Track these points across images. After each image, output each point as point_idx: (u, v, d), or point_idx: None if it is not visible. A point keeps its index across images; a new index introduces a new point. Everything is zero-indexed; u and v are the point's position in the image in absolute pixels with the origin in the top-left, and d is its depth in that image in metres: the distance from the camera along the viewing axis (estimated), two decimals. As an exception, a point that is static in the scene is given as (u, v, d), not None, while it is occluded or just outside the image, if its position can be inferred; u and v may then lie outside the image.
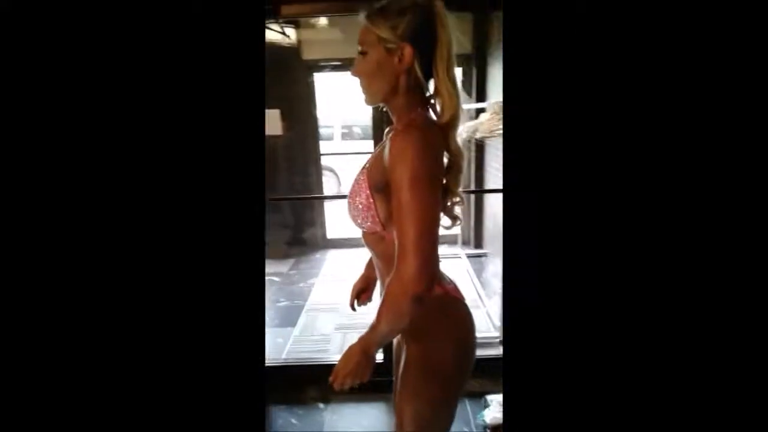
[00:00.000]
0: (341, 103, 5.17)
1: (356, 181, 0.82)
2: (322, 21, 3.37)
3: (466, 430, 1.67)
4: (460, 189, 0.86)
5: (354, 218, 0.84)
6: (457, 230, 3.82)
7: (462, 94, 0.79)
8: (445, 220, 0.89)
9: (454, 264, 3.40)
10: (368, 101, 0.81)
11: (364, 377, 0.77)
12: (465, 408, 1.78)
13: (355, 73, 0.79)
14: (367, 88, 0.79)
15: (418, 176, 0.69)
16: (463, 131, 0.83)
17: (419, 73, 0.75)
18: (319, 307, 2.82)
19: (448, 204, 0.88)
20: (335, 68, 3.74)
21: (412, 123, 0.76)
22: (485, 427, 1.62)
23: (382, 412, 1.79)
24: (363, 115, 4.66)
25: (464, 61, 3.40)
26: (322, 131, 4.58)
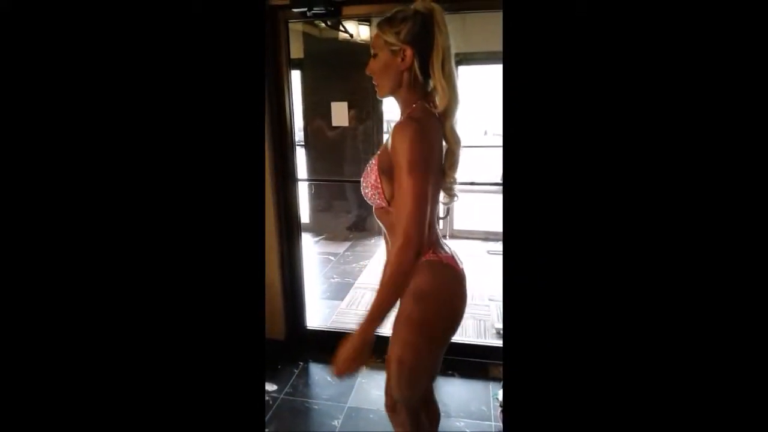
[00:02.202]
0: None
1: (369, 165, 0.98)
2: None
3: (483, 408, 1.79)
4: (456, 171, 1.00)
5: (366, 195, 1.00)
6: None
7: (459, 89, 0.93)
8: (443, 197, 1.03)
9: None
10: (380, 94, 0.97)
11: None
12: (488, 390, 1.89)
13: (368, 72, 0.95)
14: (378, 83, 0.96)
15: (414, 162, 0.83)
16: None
17: (418, 71, 0.90)
18: (367, 286, 3.03)
19: (447, 184, 1.01)
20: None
21: (411, 114, 0.91)
22: (499, 403, 1.73)
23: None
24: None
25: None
26: (387, 124, 4.78)
